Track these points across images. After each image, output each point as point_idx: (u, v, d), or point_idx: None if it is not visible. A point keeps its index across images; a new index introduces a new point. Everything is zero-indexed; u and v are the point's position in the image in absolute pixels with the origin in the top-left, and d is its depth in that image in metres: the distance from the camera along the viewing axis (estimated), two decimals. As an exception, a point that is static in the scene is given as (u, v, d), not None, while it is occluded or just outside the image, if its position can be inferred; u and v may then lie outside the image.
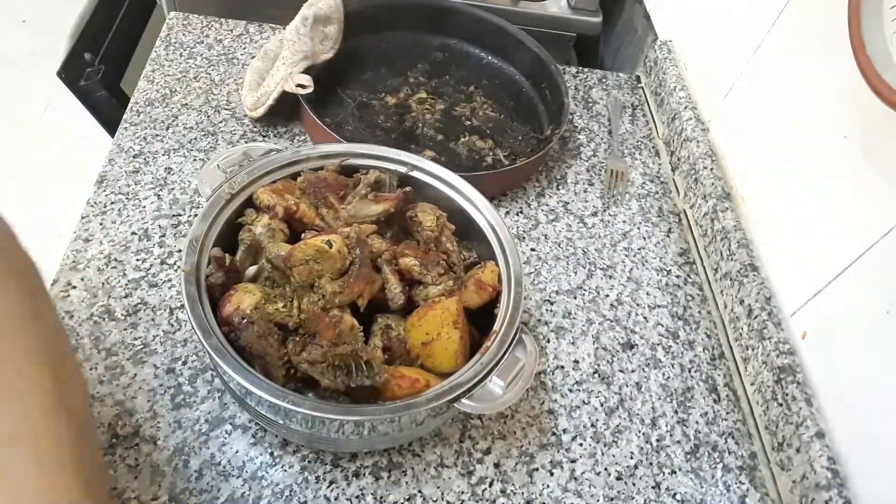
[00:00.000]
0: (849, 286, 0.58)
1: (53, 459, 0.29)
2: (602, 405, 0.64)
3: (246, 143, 0.80)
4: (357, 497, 0.54)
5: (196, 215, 0.63)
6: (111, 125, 1.00)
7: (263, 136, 0.83)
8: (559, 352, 0.68)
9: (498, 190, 0.81)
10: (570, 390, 0.65)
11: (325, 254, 0.53)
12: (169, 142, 0.79)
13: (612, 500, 0.58)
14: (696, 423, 0.65)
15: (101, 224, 0.69)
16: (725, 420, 0.65)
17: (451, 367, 0.53)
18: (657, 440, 0.63)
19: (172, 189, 0.74)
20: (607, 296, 0.74)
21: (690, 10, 0.96)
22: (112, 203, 0.71)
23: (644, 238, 0.81)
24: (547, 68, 0.90)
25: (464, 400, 0.50)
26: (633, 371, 0.67)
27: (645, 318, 0.72)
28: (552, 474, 0.59)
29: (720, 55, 0.85)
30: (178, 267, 0.66)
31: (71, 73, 1.02)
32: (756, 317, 0.67)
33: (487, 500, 0.56)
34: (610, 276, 0.76)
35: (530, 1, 1.06)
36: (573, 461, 0.60)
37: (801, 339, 0.63)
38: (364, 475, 0.55)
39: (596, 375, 0.66)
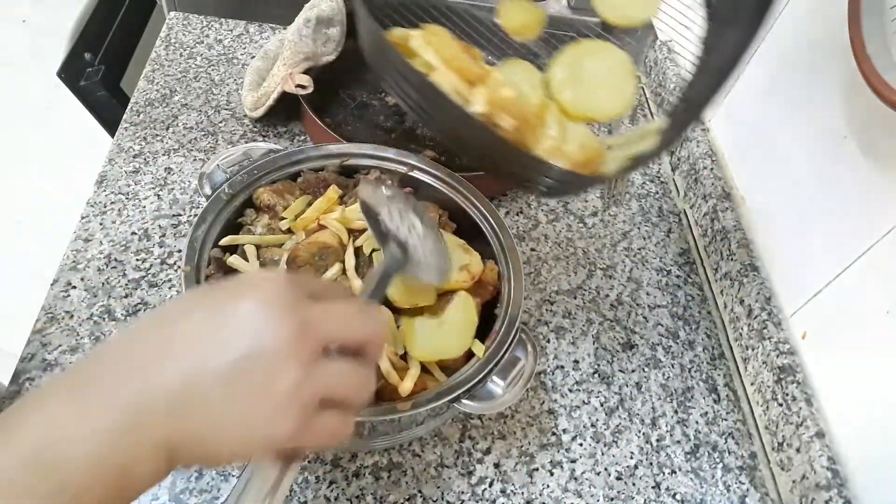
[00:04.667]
0: (849, 286, 0.58)
1: None
2: (602, 405, 0.64)
3: (246, 143, 0.79)
4: (357, 497, 0.54)
5: (196, 215, 0.63)
6: (111, 125, 1.00)
7: (263, 136, 0.83)
8: (559, 352, 0.68)
9: (498, 190, 0.81)
10: (570, 390, 0.65)
11: (329, 248, 0.53)
12: (169, 142, 0.79)
13: (612, 500, 0.58)
14: (696, 423, 0.65)
15: (101, 224, 0.69)
16: (725, 420, 0.65)
17: (451, 365, 0.53)
18: (657, 440, 0.63)
19: (172, 189, 0.74)
20: (607, 296, 0.74)
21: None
22: (112, 203, 0.71)
23: (644, 238, 0.81)
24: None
25: (464, 400, 0.50)
26: (633, 371, 0.67)
27: (645, 318, 0.72)
28: (552, 474, 0.59)
29: (720, 55, 0.85)
30: (178, 267, 0.66)
31: (71, 73, 1.02)
32: (756, 317, 0.67)
33: (487, 500, 0.56)
34: (610, 276, 0.76)
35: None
36: (573, 461, 0.60)
37: (801, 339, 0.63)
38: (364, 475, 0.55)
39: (596, 375, 0.66)
